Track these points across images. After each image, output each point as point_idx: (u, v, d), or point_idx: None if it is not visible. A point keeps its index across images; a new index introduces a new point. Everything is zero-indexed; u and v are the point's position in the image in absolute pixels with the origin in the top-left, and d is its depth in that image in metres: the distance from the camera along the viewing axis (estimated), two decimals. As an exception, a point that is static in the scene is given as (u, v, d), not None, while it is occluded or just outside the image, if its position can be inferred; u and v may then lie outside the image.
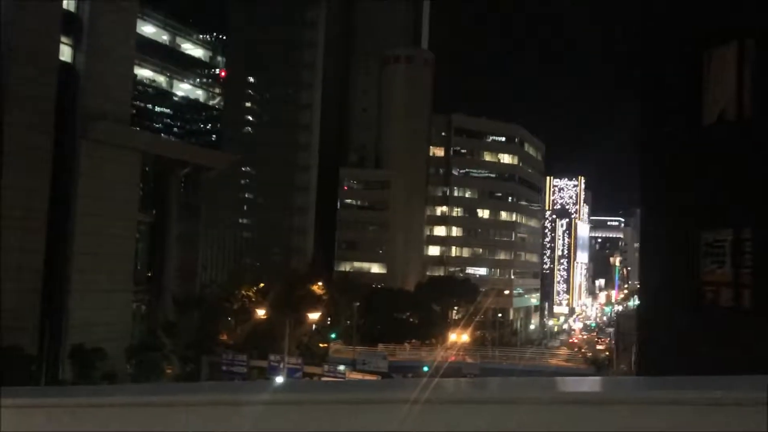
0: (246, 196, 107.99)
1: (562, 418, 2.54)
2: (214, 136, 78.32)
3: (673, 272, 11.86)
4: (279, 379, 48.66)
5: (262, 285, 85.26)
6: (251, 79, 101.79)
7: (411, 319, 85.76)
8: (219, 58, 74.06)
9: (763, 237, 10.41)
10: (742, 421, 2.18)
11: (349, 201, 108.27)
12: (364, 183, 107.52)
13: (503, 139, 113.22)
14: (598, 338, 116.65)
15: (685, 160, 11.92)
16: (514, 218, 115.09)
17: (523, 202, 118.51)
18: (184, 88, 73.03)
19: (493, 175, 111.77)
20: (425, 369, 58.96)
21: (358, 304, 69.92)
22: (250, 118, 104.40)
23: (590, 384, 3.08)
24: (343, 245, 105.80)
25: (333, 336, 76.56)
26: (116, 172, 57.35)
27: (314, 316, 67.82)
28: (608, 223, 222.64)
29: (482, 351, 76.16)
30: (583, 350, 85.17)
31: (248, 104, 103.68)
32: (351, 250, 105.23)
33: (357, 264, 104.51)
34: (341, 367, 56.35)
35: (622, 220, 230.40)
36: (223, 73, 75.14)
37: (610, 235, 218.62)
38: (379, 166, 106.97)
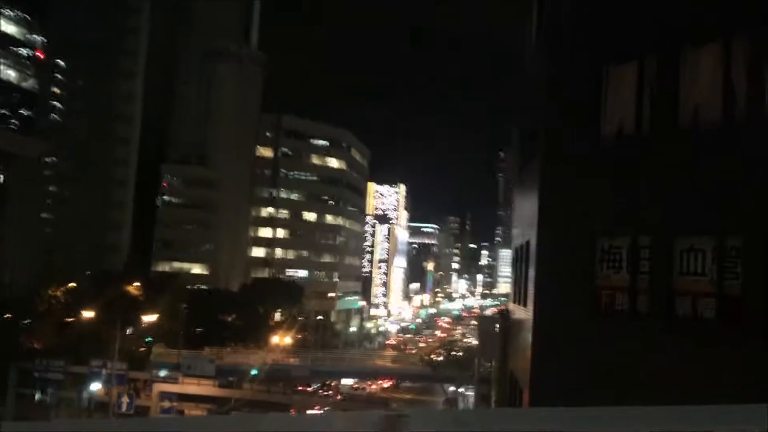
0: (55, 189, 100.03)
1: None
2: (23, 121, 71.42)
3: (569, 277, 12.36)
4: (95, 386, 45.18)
5: (72, 285, 79.44)
6: (68, 63, 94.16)
7: (235, 322, 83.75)
8: (36, 38, 67.68)
9: (659, 243, 11.14)
10: None
11: (170, 198, 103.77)
12: (187, 180, 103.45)
13: (331, 142, 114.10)
14: (419, 338, 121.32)
15: (581, 170, 12.49)
16: (339, 222, 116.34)
17: (349, 207, 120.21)
18: (-8, 67, 66.08)
19: (320, 179, 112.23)
20: (254, 373, 57.86)
21: (185, 305, 66.83)
22: (65, 105, 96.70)
23: (540, 417, 2.61)
24: (162, 244, 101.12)
25: (149, 339, 72.97)
26: None
27: (137, 318, 63.95)
28: (423, 229, 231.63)
29: (307, 353, 75.95)
30: (407, 350, 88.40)
31: (64, 90, 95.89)
32: (171, 250, 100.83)
33: (177, 264, 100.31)
34: (162, 372, 53.65)
35: (437, 227, 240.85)
36: (39, 55, 68.77)
37: (425, 241, 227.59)
38: (204, 163, 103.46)
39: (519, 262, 16.36)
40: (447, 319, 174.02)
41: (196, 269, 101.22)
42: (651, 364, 10.95)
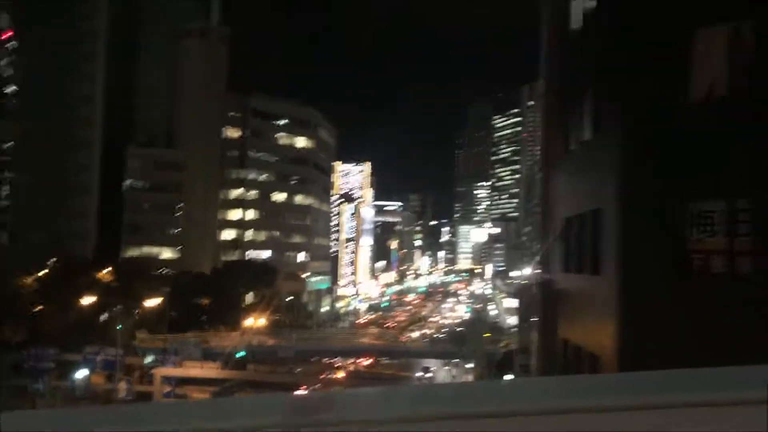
0: (14, 175, 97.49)
1: None
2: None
3: (657, 243, 12.40)
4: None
5: (42, 274, 77.72)
6: (27, 46, 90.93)
7: (210, 305, 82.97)
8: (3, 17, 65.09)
9: (760, 204, 11.24)
10: (738, 423, 1.82)
11: (137, 182, 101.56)
12: (153, 163, 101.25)
13: (299, 121, 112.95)
14: (395, 313, 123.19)
15: (667, 135, 12.49)
16: (308, 202, 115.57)
17: (317, 186, 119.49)
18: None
19: (288, 158, 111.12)
20: (242, 354, 57.44)
21: (168, 290, 65.83)
22: (24, 88, 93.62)
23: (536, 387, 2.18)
24: (131, 229, 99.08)
25: (120, 327, 71.99)
26: None
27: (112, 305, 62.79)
28: (386, 207, 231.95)
29: (290, 333, 75.76)
30: (391, 326, 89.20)
31: (22, 72, 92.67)
32: (140, 235, 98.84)
33: (146, 249, 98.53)
34: (149, 358, 52.84)
35: (400, 203, 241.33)
36: (5, 35, 66.20)
37: (388, 220, 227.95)
38: (171, 145, 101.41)
39: (577, 231, 16.37)
40: (415, 296, 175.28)
41: (167, 254, 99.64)
42: (754, 324, 11.05)
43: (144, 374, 47.10)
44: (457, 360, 68.69)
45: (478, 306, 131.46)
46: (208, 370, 47.89)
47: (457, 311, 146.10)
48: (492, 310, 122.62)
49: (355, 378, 57.79)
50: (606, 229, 13.86)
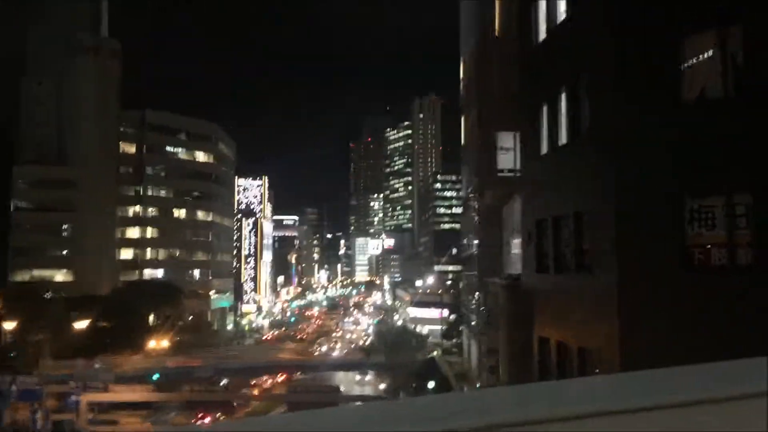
0: None
1: None
2: None
3: (654, 239, 12.88)
4: None
5: None
6: None
7: (113, 327, 79.30)
8: None
9: (761, 199, 11.90)
10: (737, 419, 1.80)
11: (24, 202, 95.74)
12: (43, 182, 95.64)
13: (197, 136, 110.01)
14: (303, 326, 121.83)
15: (662, 135, 13.02)
16: (210, 218, 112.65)
17: (219, 202, 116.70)
18: None
19: (188, 174, 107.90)
20: (156, 377, 55.12)
21: (68, 314, 62.32)
22: None
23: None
24: (19, 252, 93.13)
25: (11, 355, 67.70)
26: None
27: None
28: (284, 222, 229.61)
29: (197, 353, 73.51)
30: (305, 338, 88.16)
31: None
32: (29, 257, 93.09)
33: (37, 272, 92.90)
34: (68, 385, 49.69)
35: (296, 218, 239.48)
36: None
37: (287, 234, 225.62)
38: (62, 163, 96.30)
39: (553, 233, 16.72)
40: (318, 310, 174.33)
41: (60, 276, 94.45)
42: (757, 314, 11.62)
43: (62, 401, 44.16)
44: (372, 371, 68.68)
45: (382, 317, 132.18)
46: (140, 394, 45.51)
47: (361, 323, 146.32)
48: (397, 320, 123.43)
49: (288, 393, 56.72)
50: (596, 229, 14.26)
